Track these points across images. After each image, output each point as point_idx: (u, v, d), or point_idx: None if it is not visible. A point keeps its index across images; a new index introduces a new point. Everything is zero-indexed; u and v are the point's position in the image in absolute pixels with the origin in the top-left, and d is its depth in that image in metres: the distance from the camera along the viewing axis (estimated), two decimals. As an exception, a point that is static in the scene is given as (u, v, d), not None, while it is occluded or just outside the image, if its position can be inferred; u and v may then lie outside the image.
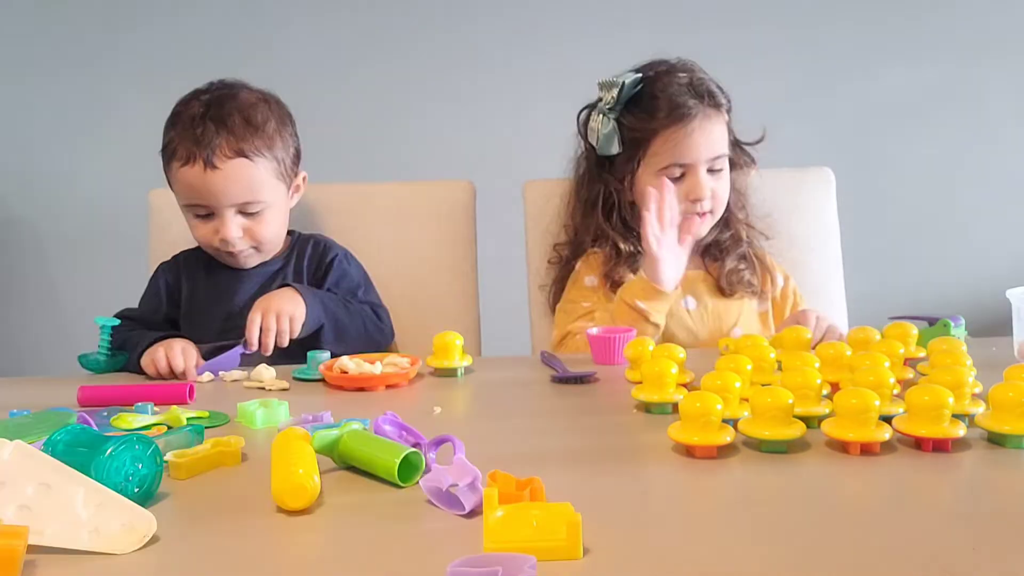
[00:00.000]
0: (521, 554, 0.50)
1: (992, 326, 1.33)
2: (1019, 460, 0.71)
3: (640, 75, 1.39)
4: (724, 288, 1.42)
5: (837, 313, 1.56)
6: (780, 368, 0.95)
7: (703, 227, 1.39)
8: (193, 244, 1.37)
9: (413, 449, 0.69)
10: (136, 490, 0.64)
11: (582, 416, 0.91)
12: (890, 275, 2.49)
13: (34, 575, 0.54)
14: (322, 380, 1.08)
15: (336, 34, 2.47)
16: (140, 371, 1.19)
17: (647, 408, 0.88)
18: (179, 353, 1.15)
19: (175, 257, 1.43)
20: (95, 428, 0.77)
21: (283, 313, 1.19)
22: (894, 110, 2.51)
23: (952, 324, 1.10)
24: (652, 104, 1.36)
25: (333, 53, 2.47)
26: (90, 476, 0.61)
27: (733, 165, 1.44)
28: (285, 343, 1.19)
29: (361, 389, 1.04)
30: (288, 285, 1.25)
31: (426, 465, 0.69)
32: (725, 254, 1.44)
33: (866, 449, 0.72)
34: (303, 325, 1.20)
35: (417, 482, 0.67)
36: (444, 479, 0.64)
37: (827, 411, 0.79)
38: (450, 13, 2.47)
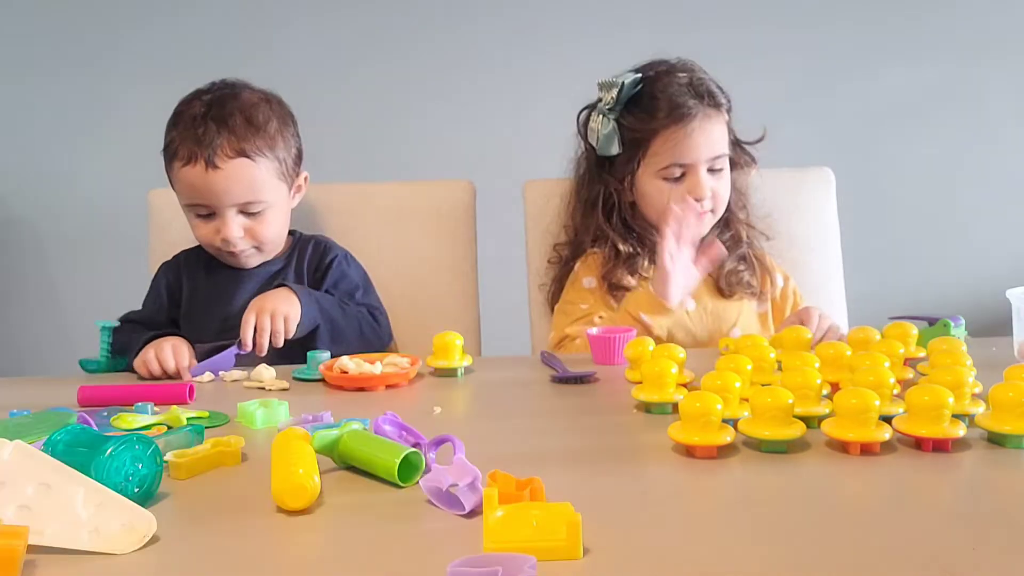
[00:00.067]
0: (521, 554, 0.50)
1: (992, 326, 1.33)
2: (1019, 460, 0.71)
3: (640, 75, 1.39)
4: (723, 289, 1.42)
5: (837, 313, 1.56)
6: (780, 368, 0.95)
7: (703, 227, 1.39)
8: (194, 243, 1.37)
9: (413, 449, 0.69)
10: (136, 490, 0.64)
11: (582, 416, 0.91)
12: (890, 275, 2.49)
13: (34, 575, 0.54)
14: (322, 380, 1.08)
15: (336, 34, 2.47)
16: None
17: (647, 408, 0.88)
18: (169, 353, 1.15)
19: (176, 256, 1.43)
20: (95, 428, 0.77)
21: (277, 313, 1.18)
22: (894, 110, 2.51)
23: (952, 324, 1.10)
24: (652, 104, 1.36)
25: (333, 53, 2.47)
26: (90, 476, 0.61)
27: (733, 165, 1.44)
28: (279, 343, 1.19)
29: (361, 389, 1.04)
30: (283, 285, 1.25)
31: (426, 465, 0.69)
32: None
33: (866, 449, 0.72)
34: (298, 325, 1.20)
35: (417, 482, 0.67)
36: (444, 479, 0.64)
37: (827, 411, 0.79)
38: (450, 13, 2.47)
